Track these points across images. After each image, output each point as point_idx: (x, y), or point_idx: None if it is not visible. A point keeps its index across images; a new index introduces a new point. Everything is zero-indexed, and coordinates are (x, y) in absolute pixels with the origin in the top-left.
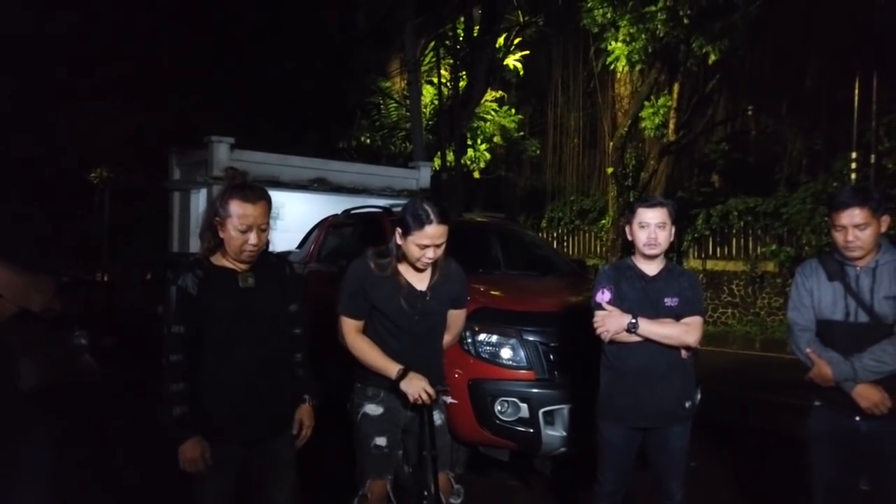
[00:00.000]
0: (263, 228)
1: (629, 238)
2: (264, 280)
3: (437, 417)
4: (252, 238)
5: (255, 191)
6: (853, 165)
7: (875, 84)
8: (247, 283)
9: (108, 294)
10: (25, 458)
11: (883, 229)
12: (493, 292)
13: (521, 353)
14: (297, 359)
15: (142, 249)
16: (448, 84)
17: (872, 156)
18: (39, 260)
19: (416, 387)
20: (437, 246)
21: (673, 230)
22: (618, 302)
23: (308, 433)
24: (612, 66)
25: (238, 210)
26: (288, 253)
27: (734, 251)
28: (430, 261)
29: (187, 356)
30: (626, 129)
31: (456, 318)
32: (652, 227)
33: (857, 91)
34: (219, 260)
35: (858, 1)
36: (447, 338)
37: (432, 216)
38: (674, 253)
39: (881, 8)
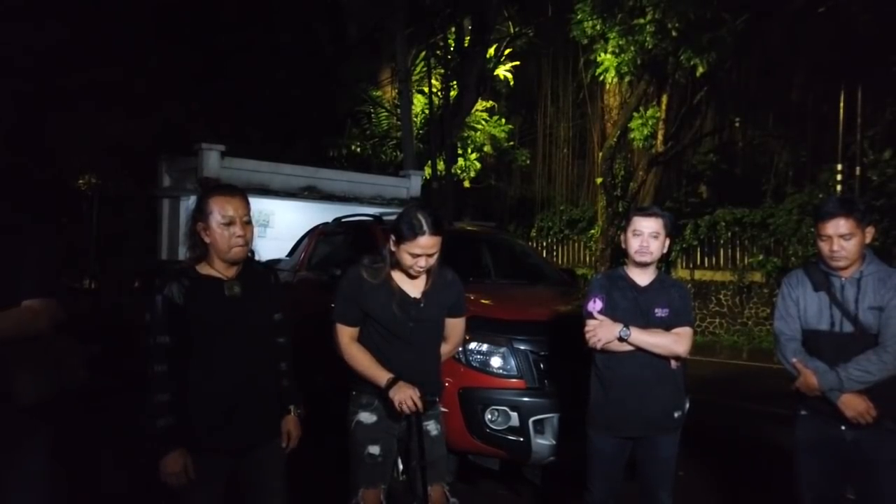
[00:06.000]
0: (247, 221)
1: (623, 246)
2: (250, 289)
3: (434, 428)
4: (237, 230)
5: (231, 186)
6: (838, 177)
7: (860, 97)
8: (233, 292)
9: (96, 302)
10: (25, 469)
11: (868, 240)
12: (483, 301)
13: (512, 362)
14: (281, 368)
15: (130, 257)
16: (439, 94)
17: (857, 168)
18: (51, 285)
19: (402, 395)
20: (430, 255)
21: (667, 242)
22: (609, 311)
23: (295, 443)
24: (601, 78)
25: (217, 205)
26: (278, 261)
27: (722, 261)
28: (421, 269)
29: (172, 366)
30: (615, 139)
31: (455, 327)
32: (645, 235)
33: (842, 104)
34: (204, 268)
35: (843, 16)
36: (446, 347)
37: (425, 227)
38: (662, 263)
39: (866, 23)
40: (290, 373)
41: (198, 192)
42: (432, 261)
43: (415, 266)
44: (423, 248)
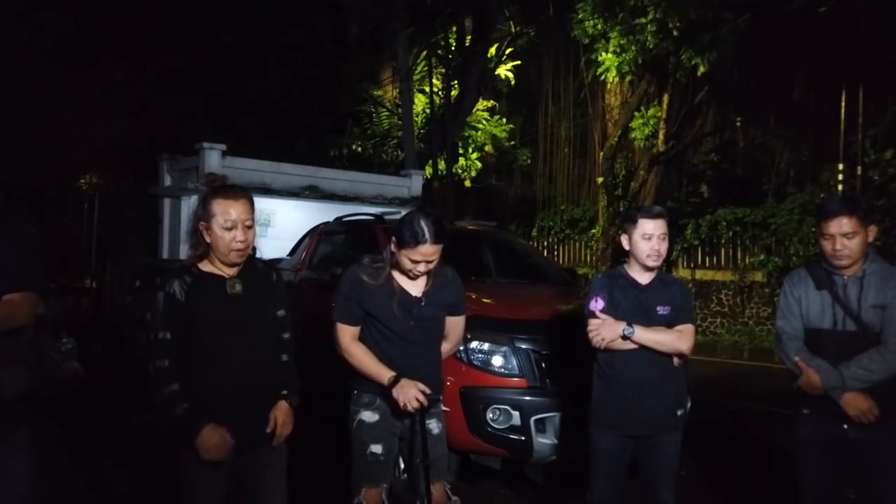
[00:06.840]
0: (248, 225)
1: (626, 247)
2: (252, 286)
3: (435, 426)
4: (239, 235)
5: (235, 189)
6: (840, 177)
7: (861, 97)
8: (234, 290)
9: (97, 301)
10: (6, 464)
11: (870, 239)
12: (485, 300)
13: (513, 361)
14: (283, 360)
15: (131, 256)
16: (440, 93)
17: (858, 167)
18: (31, 278)
19: (406, 394)
20: (429, 262)
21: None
22: (611, 310)
23: (282, 430)
24: (602, 77)
25: (220, 208)
26: (279, 260)
27: (723, 261)
28: (420, 274)
29: (174, 362)
30: (616, 139)
31: (455, 325)
32: (655, 238)
33: (843, 103)
34: (206, 266)
35: (845, 15)
36: (446, 346)
37: (427, 235)
38: (664, 262)
39: (867, 22)
40: (290, 364)
41: (201, 190)
42: (432, 266)
43: (414, 270)
44: (424, 256)
